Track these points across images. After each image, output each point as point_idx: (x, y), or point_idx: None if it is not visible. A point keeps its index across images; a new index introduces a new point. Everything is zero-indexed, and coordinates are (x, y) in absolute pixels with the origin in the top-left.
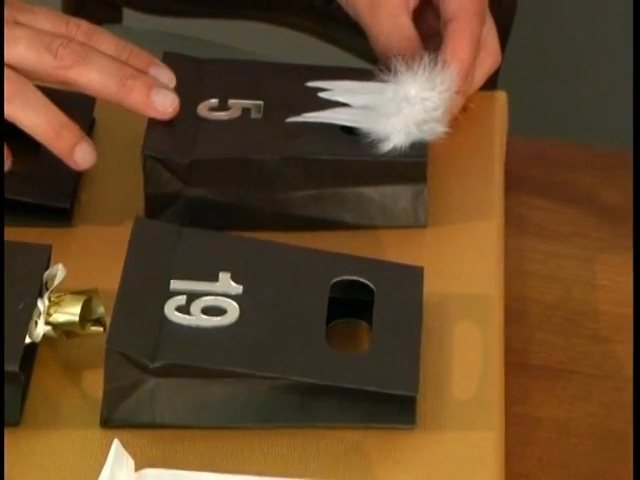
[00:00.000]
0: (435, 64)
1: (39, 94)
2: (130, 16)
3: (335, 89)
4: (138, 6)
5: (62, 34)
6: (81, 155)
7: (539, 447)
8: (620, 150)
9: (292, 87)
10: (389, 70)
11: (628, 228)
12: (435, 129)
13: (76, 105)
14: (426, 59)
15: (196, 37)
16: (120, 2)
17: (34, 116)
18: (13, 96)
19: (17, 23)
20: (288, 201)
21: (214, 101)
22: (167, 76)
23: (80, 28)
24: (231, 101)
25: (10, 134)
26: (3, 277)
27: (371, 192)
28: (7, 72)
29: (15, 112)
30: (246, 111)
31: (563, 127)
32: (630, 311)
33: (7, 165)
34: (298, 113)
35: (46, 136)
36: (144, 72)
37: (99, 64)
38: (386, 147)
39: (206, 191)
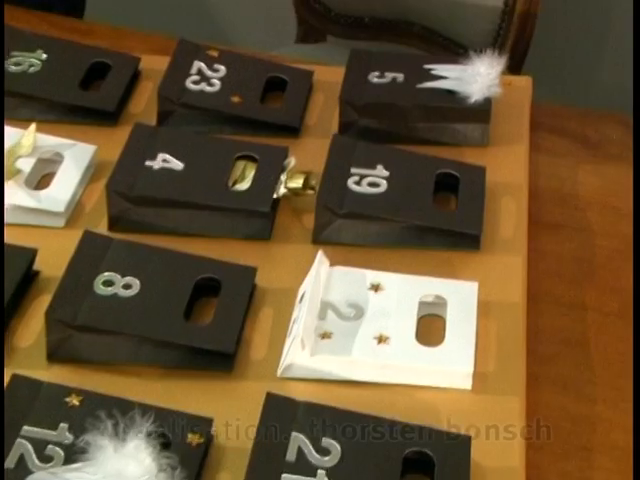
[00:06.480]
0: (492, 53)
1: None
2: (331, 41)
3: (439, 68)
4: (335, 34)
5: None
6: None
7: (544, 264)
8: (601, 110)
9: (417, 66)
10: (467, 57)
11: (598, 150)
12: (495, 90)
13: None
14: (486, 52)
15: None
16: (326, 32)
17: None
18: None
19: None
20: (414, 128)
21: (377, 73)
22: None
23: None
24: (386, 73)
25: None
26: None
27: (459, 125)
28: None
29: None
30: (394, 78)
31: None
32: (596, 196)
33: None
34: (422, 82)
35: None
36: None
37: None
38: (470, 101)
39: (370, 121)
